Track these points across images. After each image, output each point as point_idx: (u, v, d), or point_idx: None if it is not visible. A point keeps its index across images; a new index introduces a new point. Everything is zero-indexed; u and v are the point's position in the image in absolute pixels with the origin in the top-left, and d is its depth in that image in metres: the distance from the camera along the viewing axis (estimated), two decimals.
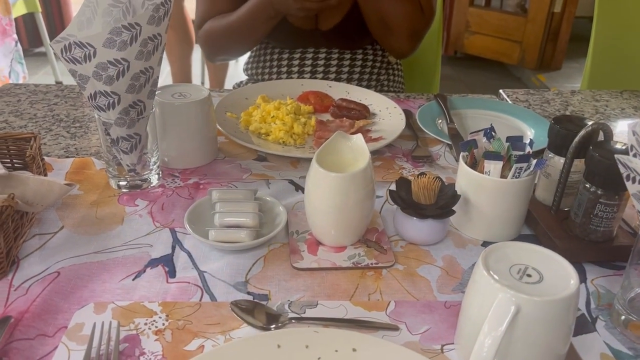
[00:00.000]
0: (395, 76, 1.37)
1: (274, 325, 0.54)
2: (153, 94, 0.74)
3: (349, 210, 0.64)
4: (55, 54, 0.89)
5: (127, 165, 0.75)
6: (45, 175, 0.75)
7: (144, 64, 0.69)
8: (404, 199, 0.67)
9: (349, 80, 1.22)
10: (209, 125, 0.83)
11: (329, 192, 0.63)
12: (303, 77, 1.21)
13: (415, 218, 0.66)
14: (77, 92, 1.06)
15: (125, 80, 0.68)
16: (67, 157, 0.84)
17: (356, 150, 0.68)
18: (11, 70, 2.40)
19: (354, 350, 0.50)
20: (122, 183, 0.76)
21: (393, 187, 0.69)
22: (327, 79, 1.20)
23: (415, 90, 1.51)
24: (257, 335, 0.50)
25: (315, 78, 1.19)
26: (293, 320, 0.55)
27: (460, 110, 1.04)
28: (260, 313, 0.55)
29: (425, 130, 0.94)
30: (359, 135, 0.68)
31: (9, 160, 0.73)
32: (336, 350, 0.50)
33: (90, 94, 0.69)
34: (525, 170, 0.66)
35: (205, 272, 0.62)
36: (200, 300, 0.58)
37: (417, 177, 0.67)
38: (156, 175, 0.78)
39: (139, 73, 0.69)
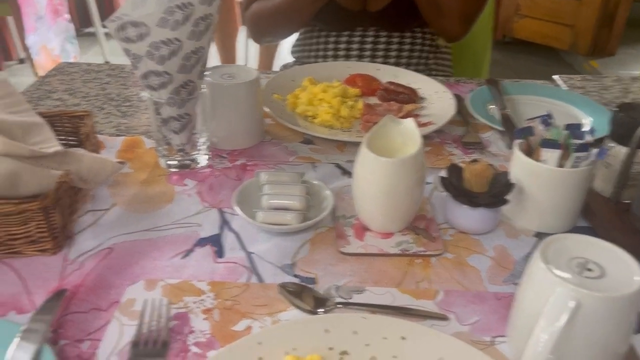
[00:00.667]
0: (443, 60, 1.34)
1: (321, 310, 0.54)
2: (203, 75, 0.74)
3: (399, 196, 0.63)
4: (108, 33, 0.90)
5: (177, 145, 0.75)
6: (98, 152, 0.76)
7: (195, 44, 0.69)
8: (456, 186, 0.65)
9: (396, 64, 1.20)
10: (256, 106, 0.83)
11: (379, 177, 0.62)
12: (350, 60, 1.19)
13: (466, 206, 0.64)
14: (128, 71, 1.08)
15: (177, 60, 0.69)
16: (118, 135, 0.86)
17: (406, 134, 0.66)
18: (62, 50, 2.46)
19: (403, 338, 0.49)
20: (171, 162, 0.76)
21: (444, 173, 0.67)
22: (374, 62, 1.18)
23: (464, 75, 1.47)
24: (305, 319, 0.50)
25: (362, 61, 1.18)
26: (340, 305, 0.55)
27: (513, 96, 1.00)
28: (308, 297, 0.55)
29: (476, 116, 0.91)
30: (410, 120, 0.66)
31: (63, 137, 0.74)
32: (385, 338, 0.49)
33: (143, 73, 0.70)
34: (585, 159, 0.63)
35: (253, 253, 0.62)
36: (248, 281, 0.59)
37: (469, 164, 0.66)
38: (205, 156, 0.78)
39: (190, 53, 0.70)
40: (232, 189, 0.73)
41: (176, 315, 0.54)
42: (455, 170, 0.67)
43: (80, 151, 0.66)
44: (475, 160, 0.67)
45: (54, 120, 0.73)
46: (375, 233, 0.66)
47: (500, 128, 0.88)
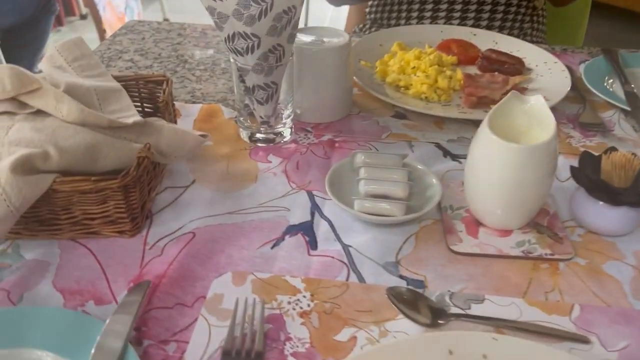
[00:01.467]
0: (539, 24, 1.20)
1: (441, 322, 0.46)
2: (293, 38, 0.65)
3: (525, 188, 0.53)
4: None
5: (261, 117, 0.68)
6: (175, 122, 0.70)
7: (287, 2, 0.61)
8: (592, 179, 0.55)
9: (488, 27, 1.07)
10: (346, 75, 0.74)
11: (503, 166, 0.52)
12: (437, 24, 1.08)
13: (603, 203, 0.54)
14: (200, 31, 1.00)
15: (267, 21, 0.60)
16: (194, 102, 0.79)
17: (533, 115, 0.56)
18: (127, 7, 2.42)
19: None
20: (255, 136, 0.69)
21: (571, 161, 0.57)
22: (464, 24, 1.06)
23: (556, 42, 1.32)
24: (426, 337, 0.43)
25: (451, 23, 1.06)
26: (452, 318, 0.47)
27: (635, 69, 0.87)
28: (423, 307, 0.47)
29: (595, 92, 0.79)
30: (539, 97, 0.56)
31: (139, 104, 0.68)
32: None
33: (229, 35, 0.62)
34: None
35: (350, 246, 0.55)
36: (347, 279, 0.51)
37: (608, 153, 0.55)
38: (289, 129, 0.71)
39: (282, 13, 0.61)
40: (321, 169, 0.65)
41: (270, 317, 0.47)
42: (589, 160, 0.57)
43: (159, 122, 0.59)
44: (613, 149, 0.56)
45: (129, 85, 0.66)
46: (490, 229, 0.57)
47: (626, 107, 0.76)
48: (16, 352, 0.43)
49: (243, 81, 0.65)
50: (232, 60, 0.65)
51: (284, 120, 0.69)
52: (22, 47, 2.09)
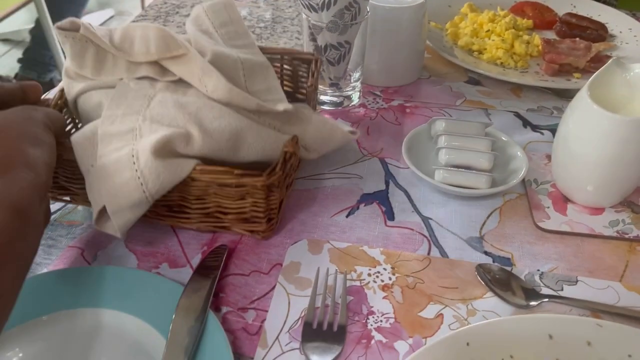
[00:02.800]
0: None
1: (533, 303, 0.43)
2: None
3: (625, 165, 0.49)
4: None
5: (330, 79, 0.65)
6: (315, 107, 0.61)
7: None
8: None
9: None
10: (420, 36, 0.70)
11: (603, 138, 0.48)
12: None
13: None
14: None
15: None
16: None
17: (636, 85, 0.51)
18: None
19: None
20: (323, 98, 0.66)
21: None
22: None
23: (628, 5, 1.23)
24: (524, 319, 0.40)
25: None
26: (546, 299, 0.44)
27: None
28: (516, 286, 0.44)
29: None
30: None
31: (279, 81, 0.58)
32: (629, 356, 0.38)
33: None
34: None
35: (431, 219, 0.52)
36: (429, 253, 0.49)
37: None
38: (358, 93, 0.67)
39: None
40: (393, 135, 0.62)
41: (350, 290, 0.45)
42: None
43: (307, 110, 0.52)
44: None
45: (273, 59, 0.58)
46: (579, 207, 0.53)
47: None
48: (94, 312, 0.42)
49: (314, 39, 0.62)
50: (304, 16, 0.61)
51: (352, 83, 0.66)
52: (68, 2, 2.08)
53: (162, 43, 0.49)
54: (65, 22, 0.49)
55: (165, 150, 0.44)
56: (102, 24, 2.69)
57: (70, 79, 0.51)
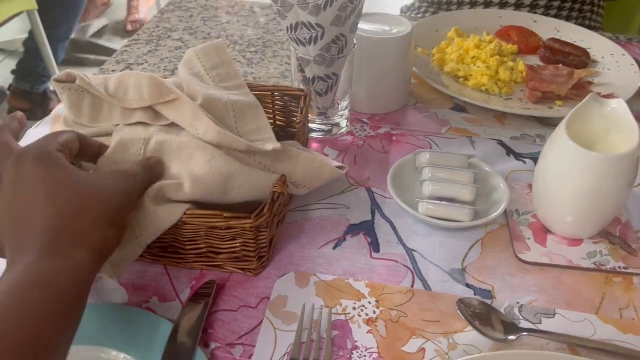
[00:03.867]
0: (599, 7, 1.14)
1: (512, 337, 0.45)
2: (356, 27, 0.63)
3: (602, 199, 0.51)
4: None
5: (318, 108, 0.66)
6: (307, 140, 0.64)
7: None
8: None
9: (546, 9, 1.03)
10: (407, 65, 0.71)
11: (581, 175, 0.50)
12: (491, 7, 1.03)
13: None
14: (248, 9, 0.98)
15: (332, 11, 0.58)
16: None
17: (613, 120, 0.53)
18: None
19: None
20: (312, 126, 0.67)
21: None
22: (521, 5, 1.02)
23: (612, 28, 1.26)
24: (503, 355, 0.41)
25: (507, 5, 1.01)
26: (525, 333, 0.45)
27: None
28: (495, 320, 0.46)
29: None
30: (620, 101, 0.53)
31: (271, 116, 0.63)
32: None
33: (291, 24, 0.60)
34: None
35: (415, 251, 0.53)
36: (412, 286, 0.50)
37: None
38: (345, 121, 0.69)
39: (347, 2, 0.58)
40: (380, 164, 0.64)
41: (335, 324, 0.47)
42: None
43: (296, 148, 0.54)
44: None
45: (263, 96, 0.61)
46: (559, 237, 0.55)
47: None
48: (84, 349, 0.43)
49: (302, 71, 0.63)
50: (292, 49, 0.63)
51: (340, 112, 0.67)
52: (63, 13, 2.08)
53: (155, 90, 0.51)
54: (62, 74, 0.52)
55: (157, 198, 0.46)
56: (96, 33, 2.70)
57: (69, 128, 0.53)
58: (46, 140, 0.42)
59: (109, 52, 2.45)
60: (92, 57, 2.52)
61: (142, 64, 0.81)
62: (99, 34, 2.74)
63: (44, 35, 1.99)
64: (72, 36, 2.45)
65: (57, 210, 0.38)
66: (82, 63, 2.50)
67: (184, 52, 0.84)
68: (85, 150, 0.47)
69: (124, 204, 0.42)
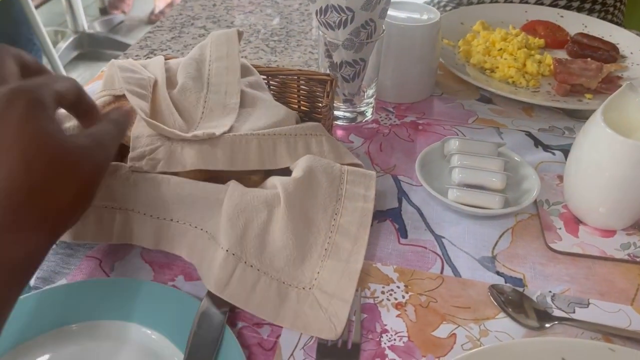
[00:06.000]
0: (621, 4, 1.12)
1: (547, 325, 0.44)
2: (385, 13, 0.62)
3: (635, 188, 0.50)
4: None
5: (344, 95, 0.65)
6: (331, 126, 0.61)
7: None
8: None
9: (568, 1, 1.01)
10: (434, 54, 0.70)
11: (616, 162, 0.49)
12: (513, 2, 1.02)
13: None
14: None
15: None
16: None
17: None
18: None
19: None
20: (337, 114, 0.67)
21: None
22: (542, 4, 1.00)
23: (634, 25, 1.24)
24: (537, 341, 0.40)
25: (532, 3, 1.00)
26: (557, 322, 0.44)
27: None
28: (528, 308, 0.45)
29: None
30: None
31: (296, 101, 0.62)
32: None
33: (321, 8, 0.59)
34: None
35: (444, 237, 0.52)
36: (442, 272, 0.49)
37: None
38: (371, 109, 0.68)
39: None
40: (405, 152, 0.63)
41: (363, 307, 0.46)
42: None
43: (316, 137, 0.54)
44: None
45: (289, 79, 0.61)
46: (591, 228, 0.53)
47: None
48: (111, 324, 0.43)
49: (330, 56, 0.63)
50: (320, 34, 0.62)
51: (366, 100, 0.67)
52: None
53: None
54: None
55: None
56: (113, 28, 2.71)
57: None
58: (45, 84, 0.36)
59: (125, 47, 2.46)
60: (109, 52, 2.53)
61: (166, 49, 0.81)
62: (117, 29, 2.76)
63: None
64: (90, 31, 2.47)
65: (30, 181, 0.33)
66: (98, 58, 2.51)
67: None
68: (76, 105, 0.41)
69: (99, 180, 0.38)
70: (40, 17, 1.69)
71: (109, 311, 0.43)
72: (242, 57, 0.62)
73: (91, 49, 2.53)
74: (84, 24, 2.55)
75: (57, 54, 2.38)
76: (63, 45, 2.43)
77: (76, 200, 0.36)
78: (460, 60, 0.79)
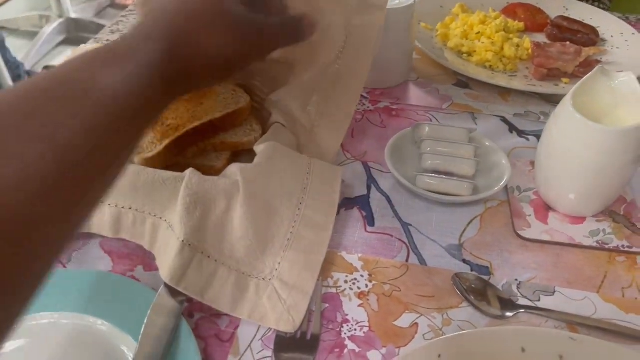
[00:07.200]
0: None
1: (509, 314, 0.43)
2: None
3: (607, 174, 0.49)
4: None
5: None
6: None
7: None
8: None
9: None
10: (409, 37, 0.69)
11: (586, 148, 0.48)
12: None
13: None
14: None
15: None
16: None
17: (620, 94, 0.51)
18: None
19: None
20: None
21: None
22: None
23: (620, 8, 1.22)
24: (497, 331, 0.40)
25: None
26: (522, 310, 0.44)
27: None
28: (491, 296, 0.44)
29: None
30: (629, 74, 0.51)
31: None
32: None
33: None
34: None
35: (410, 225, 0.52)
36: (407, 260, 0.48)
37: None
38: None
39: None
40: (377, 138, 0.62)
41: (325, 296, 0.45)
42: None
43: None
44: None
45: None
46: (561, 215, 0.53)
47: None
48: (65, 316, 0.42)
49: None
50: None
51: None
52: None
53: None
54: None
55: None
56: (99, 13, 2.67)
57: None
58: None
59: None
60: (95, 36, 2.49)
61: None
62: (101, 14, 2.72)
63: None
64: (75, 16, 2.43)
65: (187, 27, 0.33)
66: (84, 42, 2.48)
67: None
68: None
69: (242, 63, 0.38)
70: (26, 2, 1.65)
71: (63, 303, 0.42)
72: None
73: (77, 33, 2.49)
74: (69, 8, 2.51)
75: (43, 38, 2.36)
76: (48, 29, 2.40)
77: (218, 63, 0.35)
78: (438, 44, 0.77)
